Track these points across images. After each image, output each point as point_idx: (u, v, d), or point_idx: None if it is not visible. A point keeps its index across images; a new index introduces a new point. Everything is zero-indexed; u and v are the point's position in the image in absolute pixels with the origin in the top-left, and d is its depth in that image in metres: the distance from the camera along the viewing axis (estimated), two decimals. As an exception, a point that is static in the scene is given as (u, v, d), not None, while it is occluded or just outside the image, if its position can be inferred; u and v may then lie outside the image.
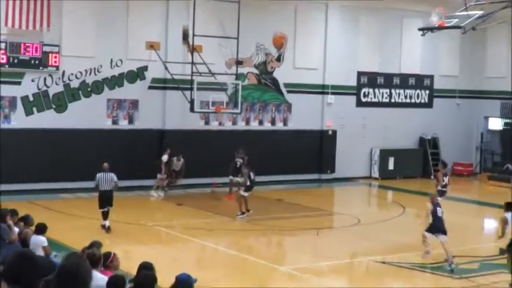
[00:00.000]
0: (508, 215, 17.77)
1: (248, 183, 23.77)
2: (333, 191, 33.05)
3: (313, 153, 33.55)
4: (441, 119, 37.32)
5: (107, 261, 10.38)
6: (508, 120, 37.32)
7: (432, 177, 35.86)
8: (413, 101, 37.17)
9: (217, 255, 19.56)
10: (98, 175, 21.13)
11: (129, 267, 11.51)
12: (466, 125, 38.24)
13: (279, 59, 32.99)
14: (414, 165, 36.32)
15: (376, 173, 35.40)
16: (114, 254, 10.67)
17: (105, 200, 21.02)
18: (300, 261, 18.54)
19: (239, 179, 26.25)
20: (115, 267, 10.43)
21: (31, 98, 27.49)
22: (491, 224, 25.92)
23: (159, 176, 27.53)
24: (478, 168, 38.35)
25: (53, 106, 27.91)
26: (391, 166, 35.52)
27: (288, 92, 33.18)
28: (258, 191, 25.52)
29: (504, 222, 17.67)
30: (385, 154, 35.43)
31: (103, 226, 20.90)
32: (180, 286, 8.25)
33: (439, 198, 23.73)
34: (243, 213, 23.59)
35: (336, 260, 19.03)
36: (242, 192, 23.81)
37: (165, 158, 27.42)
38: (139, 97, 29.51)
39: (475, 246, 21.07)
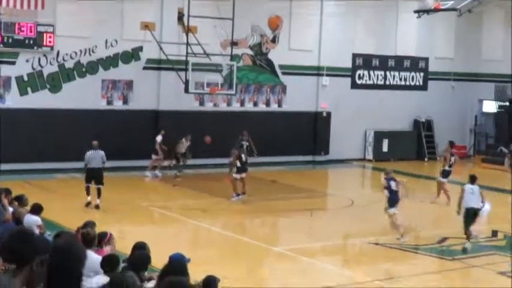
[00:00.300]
0: (467, 186, 18.51)
1: (239, 164, 23.72)
2: (327, 173, 33.12)
3: (307, 135, 33.57)
4: (436, 102, 37.34)
5: (103, 241, 10.43)
6: (502, 103, 37.38)
7: (426, 159, 36.07)
8: (408, 83, 37.17)
9: (211, 236, 19.62)
10: (88, 153, 21.58)
11: (123, 247, 11.57)
12: (461, 108, 38.27)
13: (274, 40, 32.94)
14: (408, 148, 36.37)
15: (370, 155, 35.45)
16: (110, 234, 10.71)
17: (92, 177, 21.44)
18: (294, 242, 18.63)
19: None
20: (111, 247, 10.48)
21: (25, 78, 27.44)
22: (484, 206, 25.99)
23: (154, 157, 27.56)
24: (472, 151, 38.45)
25: (48, 86, 27.86)
26: (385, 148, 35.57)
27: (283, 73, 33.15)
28: (252, 172, 25.53)
29: (462, 192, 18.52)
30: (379, 136, 35.46)
31: (88, 203, 21.28)
32: (173, 266, 8.28)
33: (443, 179, 24.05)
34: (237, 195, 23.60)
35: (329, 241, 19.11)
36: (234, 175, 23.79)
37: (159, 138, 27.41)
38: (134, 78, 29.47)
39: (467, 228, 21.14)
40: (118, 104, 29.36)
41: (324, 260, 17.37)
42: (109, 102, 29.23)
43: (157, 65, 29.69)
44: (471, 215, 18.18)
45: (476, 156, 37.53)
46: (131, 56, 29.34)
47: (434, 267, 17.27)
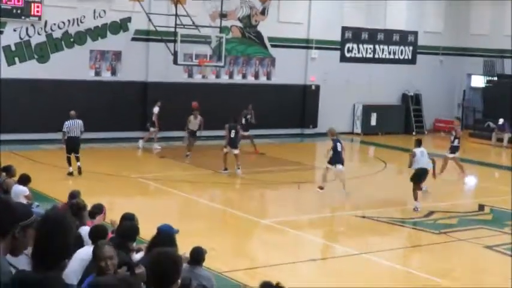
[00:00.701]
0: (417, 150, 19.77)
1: (227, 139, 23.59)
2: (315, 146, 33.14)
3: (296, 108, 33.57)
4: (424, 76, 37.37)
5: (101, 213, 10.45)
6: (490, 78, 37.43)
7: (414, 132, 36.14)
8: (397, 57, 37.17)
9: (199, 208, 19.64)
10: (67, 123, 21.63)
11: (111, 218, 11.55)
12: (449, 82, 38.32)
13: (263, 12, 32.80)
14: (396, 122, 36.46)
15: (358, 129, 35.51)
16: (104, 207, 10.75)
17: (73, 146, 21.55)
18: (282, 215, 18.68)
19: (249, 133, 27.23)
20: (101, 218, 10.52)
21: (13, 48, 27.25)
22: (471, 181, 26.16)
23: (152, 129, 27.18)
24: (460, 126, 38.51)
25: (35, 56, 27.69)
26: (373, 122, 35.64)
27: (272, 46, 33.06)
28: (241, 145, 25.49)
29: (412, 156, 19.78)
30: (367, 110, 35.50)
31: (70, 173, 21.35)
32: (161, 237, 8.31)
33: (451, 155, 24.21)
34: (225, 169, 23.51)
35: (316, 214, 19.19)
36: (224, 149, 23.65)
37: (156, 110, 27.10)
38: (123, 49, 29.32)
39: (454, 202, 21.29)
40: (106, 75, 29.22)
41: (311, 233, 17.44)
42: (97, 73, 29.08)
43: (146, 36, 29.53)
44: (423, 174, 19.70)
45: (463, 130, 37.58)
46: (120, 26, 29.16)
47: (421, 241, 17.37)
